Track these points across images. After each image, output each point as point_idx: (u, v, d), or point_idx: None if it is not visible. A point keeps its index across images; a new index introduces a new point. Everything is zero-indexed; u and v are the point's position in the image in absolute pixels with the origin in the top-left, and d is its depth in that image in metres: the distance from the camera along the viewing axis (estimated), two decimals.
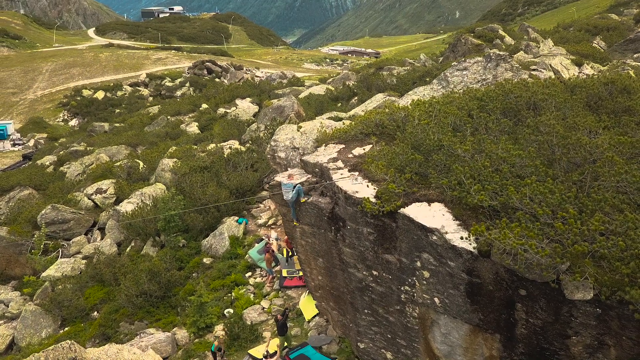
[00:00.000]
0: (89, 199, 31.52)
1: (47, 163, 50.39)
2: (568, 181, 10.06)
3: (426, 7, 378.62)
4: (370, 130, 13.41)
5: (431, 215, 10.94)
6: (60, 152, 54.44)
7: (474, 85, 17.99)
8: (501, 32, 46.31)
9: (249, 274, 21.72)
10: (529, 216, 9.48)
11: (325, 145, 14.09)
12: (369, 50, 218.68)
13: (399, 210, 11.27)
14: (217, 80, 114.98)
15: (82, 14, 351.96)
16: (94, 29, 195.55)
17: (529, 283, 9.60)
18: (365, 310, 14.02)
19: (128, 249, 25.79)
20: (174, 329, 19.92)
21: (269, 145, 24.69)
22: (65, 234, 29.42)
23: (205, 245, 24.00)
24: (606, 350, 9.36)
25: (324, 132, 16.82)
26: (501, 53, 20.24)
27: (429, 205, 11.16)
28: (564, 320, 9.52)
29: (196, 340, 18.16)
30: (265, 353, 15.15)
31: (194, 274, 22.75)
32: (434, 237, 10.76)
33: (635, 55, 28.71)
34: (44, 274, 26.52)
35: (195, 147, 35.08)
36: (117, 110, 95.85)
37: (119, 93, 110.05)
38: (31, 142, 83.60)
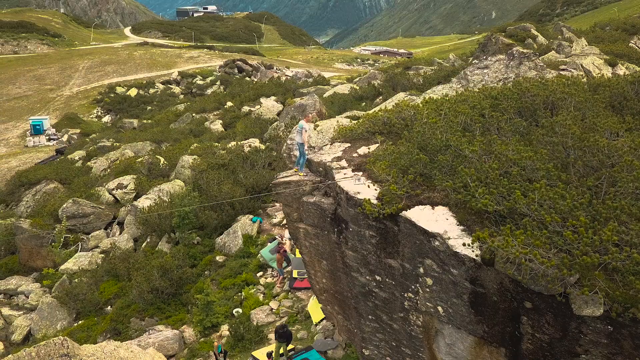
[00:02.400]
0: (110, 193, 31.82)
1: (77, 158, 51.41)
2: (582, 186, 9.29)
3: (461, 8, 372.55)
4: (378, 128, 12.84)
5: (434, 219, 10.31)
6: (90, 148, 55.50)
7: (495, 84, 17.17)
8: (534, 31, 44.74)
9: (260, 273, 21.41)
10: (536, 223, 8.77)
11: (331, 144, 13.59)
12: (402, 51, 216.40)
13: (400, 213, 10.68)
14: (247, 79, 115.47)
15: (120, 13, 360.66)
16: (130, 27, 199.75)
17: (535, 295, 8.89)
18: (370, 317, 13.46)
19: (144, 244, 25.85)
20: (183, 326, 19.78)
21: (285, 144, 24.31)
22: (85, 227, 29.75)
23: (219, 243, 23.82)
24: None
25: (343, 130, 16.31)
26: (525, 51, 19.34)
27: (433, 208, 10.53)
28: (572, 336, 8.78)
29: (202, 339, 17.94)
30: (268, 353, 14.77)
31: (206, 272, 22.57)
32: (437, 243, 10.13)
33: None
34: (62, 267, 26.86)
35: (217, 144, 35.04)
36: (149, 108, 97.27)
37: (151, 91, 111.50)
38: (65, 138, 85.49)
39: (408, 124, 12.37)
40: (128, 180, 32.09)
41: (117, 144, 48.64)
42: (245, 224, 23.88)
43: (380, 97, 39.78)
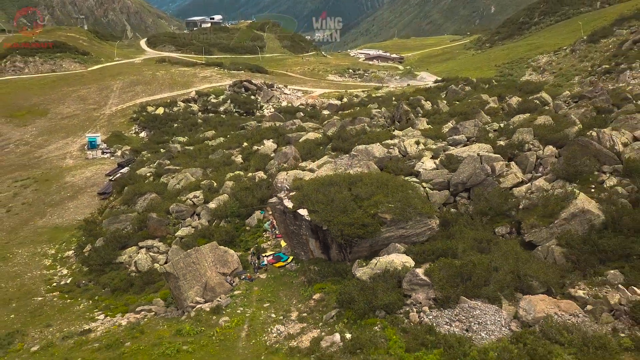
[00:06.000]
0: (190, 200, 70.58)
1: (148, 174, 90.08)
2: (349, 207, 47.53)
3: (461, 2, 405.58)
4: (296, 186, 51.11)
5: (304, 212, 48.63)
6: (152, 166, 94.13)
7: (343, 168, 55.55)
8: (423, 102, 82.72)
9: (265, 233, 60.00)
10: (323, 209, 47.12)
11: (283, 191, 52.05)
12: (394, 55, 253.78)
13: (297, 210, 49.06)
14: (252, 97, 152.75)
15: (125, 12, 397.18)
16: (145, 40, 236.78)
17: (319, 227, 47.27)
18: (295, 240, 52.06)
19: (214, 223, 64.60)
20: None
21: (274, 180, 62.87)
22: (181, 216, 68.63)
23: (247, 222, 62.42)
24: (332, 247, 47.00)
25: (296, 180, 54.48)
26: (355, 153, 57.43)
27: (304, 209, 48.85)
28: (324, 235, 47.22)
29: (243, 253, 56.71)
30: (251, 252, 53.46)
31: (242, 233, 61.15)
32: (304, 218, 48.52)
33: (448, 138, 64.79)
34: (176, 234, 65.59)
35: (242, 173, 73.71)
36: (175, 125, 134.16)
37: (175, 109, 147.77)
38: (119, 153, 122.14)
39: (303, 186, 50.71)
40: (198, 194, 70.92)
41: (177, 167, 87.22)
42: (257, 214, 62.45)
43: (331, 144, 78.04)
